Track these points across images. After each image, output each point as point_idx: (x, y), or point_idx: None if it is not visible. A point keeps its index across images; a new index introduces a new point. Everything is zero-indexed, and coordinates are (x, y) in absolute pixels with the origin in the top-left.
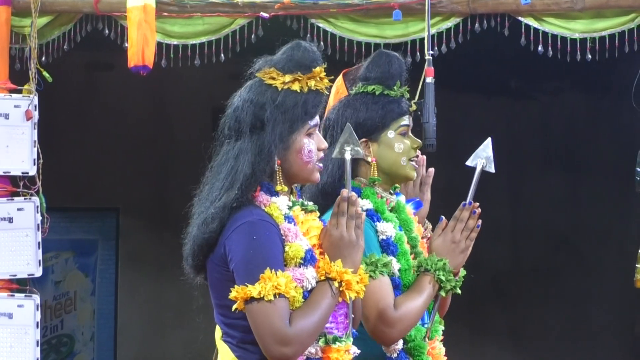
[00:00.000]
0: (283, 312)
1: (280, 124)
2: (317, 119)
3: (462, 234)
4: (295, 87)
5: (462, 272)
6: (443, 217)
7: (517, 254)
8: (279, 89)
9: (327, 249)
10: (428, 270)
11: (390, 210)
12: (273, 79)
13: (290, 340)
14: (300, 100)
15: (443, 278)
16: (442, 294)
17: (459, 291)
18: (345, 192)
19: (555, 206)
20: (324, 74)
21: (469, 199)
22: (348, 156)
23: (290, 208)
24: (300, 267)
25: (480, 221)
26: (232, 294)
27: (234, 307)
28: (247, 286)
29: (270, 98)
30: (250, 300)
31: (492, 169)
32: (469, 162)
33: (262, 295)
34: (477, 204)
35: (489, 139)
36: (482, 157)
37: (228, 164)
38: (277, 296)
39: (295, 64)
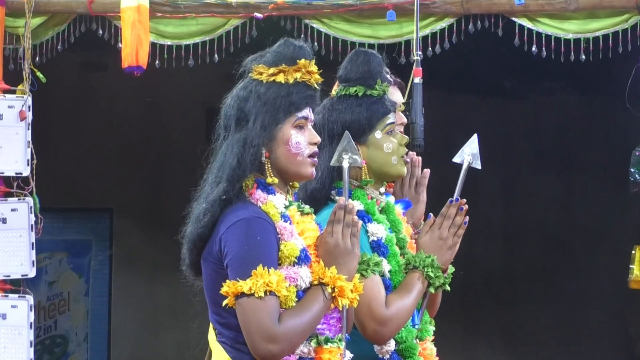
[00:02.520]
0: (272, 309)
1: (262, 114)
2: (306, 112)
3: (449, 230)
4: (280, 78)
5: (451, 269)
6: (431, 215)
7: (510, 254)
8: (264, 82)
9: (322, 256)
10: (416, 267)
11: (380, 212)
12: (260, 73)
13: (277, 338)
14: (283, 91)
15: (432, 274)
16: (431, 290)
17: (448, 288)
18: (342, 200)
19: (549, 206)
20: (314, 68)
21: (455, 195)
22: (346, 164)
23: (286, 207)
24: (294, 266)
25: (467, 218)
26: (224, 289)
27: (224, 302)
28: (238, 281)
29: (254, 90)
30: (240, 295)
31: (479, 166)
32: (455, 159)
33: (252, 291)
34: (464, 200)
35: (475, 136)
36: (468, 154)
37: (219, 161)
38: (268, 293)
39: (281, 57)
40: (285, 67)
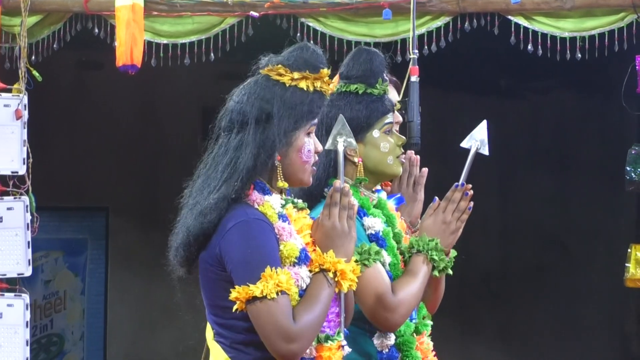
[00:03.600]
0: (286, 309)
1: (286, 119)
2: (317, 120)
3: (453, 214)
4: (303, 85)
5: (453, 253)
6: (437, 198)
7: (506, 252)
8: (287, 85)
9: (319, 239)
10: (420, 251)
11: (374, 207)
12: (281, 75)
13: (296, 336)
14: (307, 98)
15: (436, 257)
16: (435, 273)
17: (450, 272)
18: (337, 182)
19: (545, 205)
20: (329, 78)
21: (461, 180)
22: (341, 147)
23: (283, 206)
24: (294, 266)
25: (472, 203)
26: (233, 295)
27: (234, 307)
28: (248, 286)
29: (279, 93)
30: (252, 299)
31: (486, 152)
32: (463, 144)
33: (264, 294)
34: (470, 185)
35: (484, 122)
36: (477, 140)
37: (227, 156)
38: (280, 293)
39: (304, 62)
40: (309, 74)
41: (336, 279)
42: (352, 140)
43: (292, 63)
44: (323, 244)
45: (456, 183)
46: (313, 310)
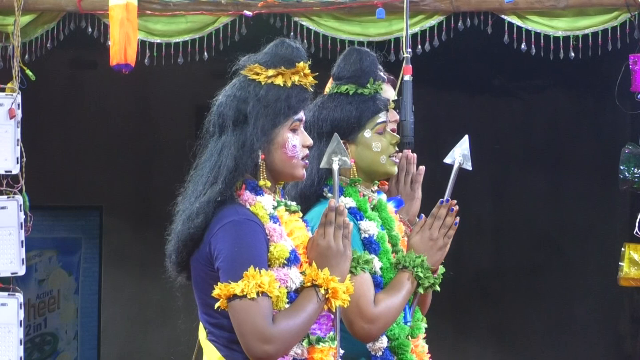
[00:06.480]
0: (266, 310)
1: (263, 117)
2: (302, 114)
3: (439, 231)
4: (279, 81)
5: (441, 270)
6: (423, 215)
7: (500, 252)
8: (262, 83)
9: (314, 258)
10: (406, 267)
11: (372, 209)
12: (257, 74)
13: (272, 338)
14: (283, 94)
15: (421, 275)
16: (420, 290)
17: (437, 288)
18: (333, 201)
19: (538, 204)
20: (309, 70)
21: (446, 196)
22: (336, 166)
23: (275, 208)
24: (284, 267)
25: (458, 218)
26: (215, 292)
27: (216, 305)
28: (230, 283)
29: (253, 92)
30: (233, 297)
31: (469, 167)
32: (446, 160)
33: (244, 293)
34: (455, 201)
35: (466, 137)
36: (459, 155)
37: (212, 159)
38: (260, 294)
39: (279, 59)
40: (284, 69)
41: (327, 296)
42: (347, 159)
43: (268, 60)
44: (318, 263)
45: (441, 199)
46: (295, 318)
